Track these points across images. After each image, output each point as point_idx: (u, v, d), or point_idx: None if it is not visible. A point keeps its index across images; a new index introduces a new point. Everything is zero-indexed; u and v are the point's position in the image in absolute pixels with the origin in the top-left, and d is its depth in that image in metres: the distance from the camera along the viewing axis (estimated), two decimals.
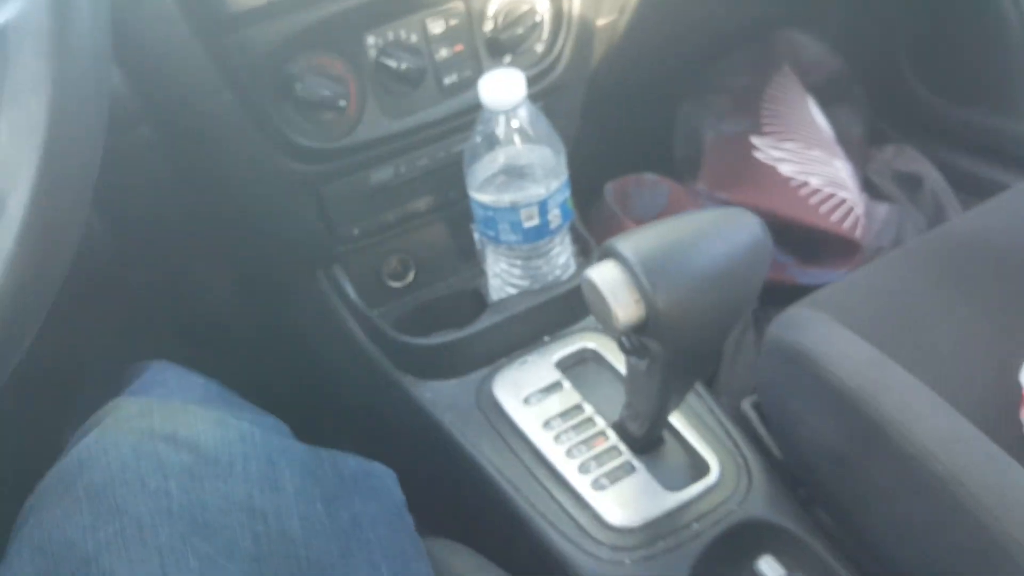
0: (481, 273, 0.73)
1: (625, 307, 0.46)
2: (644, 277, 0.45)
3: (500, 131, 0.62)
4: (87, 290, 0.66)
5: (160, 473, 0.43)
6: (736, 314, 0.50)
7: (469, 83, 0.64)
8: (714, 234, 0.47)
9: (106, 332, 0.74)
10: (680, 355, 0.50)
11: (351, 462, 0.52)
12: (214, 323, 0.80)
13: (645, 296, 0.46)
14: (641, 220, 0.91)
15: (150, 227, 0.65)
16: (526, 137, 0.62)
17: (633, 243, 0.46)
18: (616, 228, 0.88)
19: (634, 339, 0.50)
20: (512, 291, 0.69)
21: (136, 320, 0.75)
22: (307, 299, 0.71)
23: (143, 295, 0.74)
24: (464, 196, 0.67)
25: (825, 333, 0.61)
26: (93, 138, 0.37)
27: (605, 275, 0.46)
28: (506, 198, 0.63)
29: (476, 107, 0.62)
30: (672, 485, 0.59)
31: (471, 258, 0.74)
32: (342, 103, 0.61)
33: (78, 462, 0.44)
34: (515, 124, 0.62)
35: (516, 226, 0.64)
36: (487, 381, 0.66)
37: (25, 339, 0.37)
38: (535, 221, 0.64)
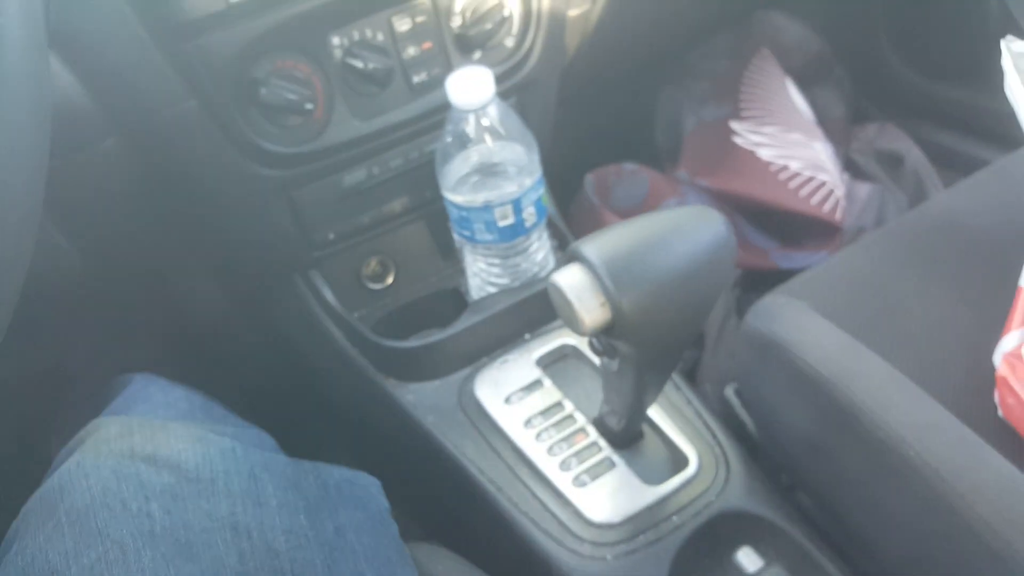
0: (461, 272, 0.73)
1: (591, 311, 0.46)
2: (608, 280, 0.46)
3: (470, 130, 0.62)
4: (67, 305, 0.67)
5: (142, 495, 0.44)
6: (702, 312, 0.50)
7: (439, 81, 0.64)
8: (677, 234, 0.48)
9: (91, 344, 0.75)
10: (649, 354, 0.50)
11: (334, 472, 0.52)
12: (198, 331, 0.80)
13: (610, 299, 0.46)
14: (622, 210, 0.91)
15: (123, 237, 0.65)
16: (497, 135, 0.62)
17: (597, 246, 0.47)
18: (596, 219, 0.88)
19: (603, 340, 0.51)
20: (492, 290, 0.70)
21: (118, 329, 0.75)
22: (287, 304, 0.72)
23: (125, 306, 0.74)
24: (440, 195, 0.67)
25: (798, 321, 0.62)
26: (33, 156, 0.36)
27: (570, 279, 0.47)
28: (479, 198, 0.63)
29: (447, 104, 0.62)
30: (652, 479, 0.60)
31: (450, 257, 0.74)
32: (309, 106, 0.61)
33: (59, 486, 0.44)
34: (485, 122, 0.62)
35: (491, 225, 0.64)
36: (468, 381, 0.67)
37: None
38: (510, 220, 0.64)
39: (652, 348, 0.50)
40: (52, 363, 0.74)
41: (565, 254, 0.48)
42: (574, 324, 0.47)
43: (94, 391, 0.62)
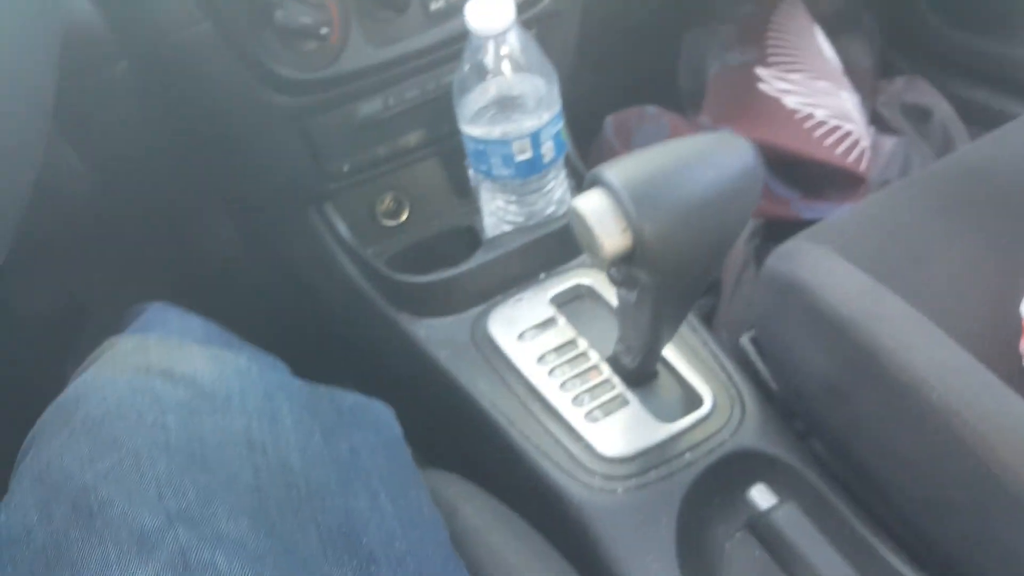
0: (476, 210, 0.72)
1: (611, 236, 0.45)
2: (630, 205, 0.44)
3: (489, 60, 0.60)
4: (80, 233, 0.67)
5: (157, 407, 0.44)
6: (725, 242, 0.49)
7: (456, 9, 0.62)
8: (703, 160, 0.46)
9: (104, 275, 0.75)
10: (669, 284, 0.49)
11: (348, 397, 0.52)
12: (210, 267, 0.80)
13: (632, 225, 0.45)
14: None
15: (137, 167, 0.65)
16: (517, 65, 0.61)
17: (620, 170, 0.45)
18: None
19: (622, 269, 0.50)
20: (507, 228, 0.69)
21: (133, 262, 0.75)
22: (300, 238, 0.71)
23: (138, 237, 0.74)
24: (456, 130, 0.66)
25: (821, 264, 0.61)
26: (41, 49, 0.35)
27: (591, 204, 0.45)
28: (497, 131, 0.62)
29: (465, 35, 0.60)
30: (665, 417, 0.60)
31: (466, 195, 0.73)
32: (324, 31, 0.59)
33: (75, 397, 0.44)
34: (505, 51, 0.60)
35: (508, 160, 0.63)
36: (482, 318, 0.66)
37: None
38: (528, 154, 0.62)
39: (673, 278, 0.49)
40: (67, 296, 0.74)
41: (586, 179, 0.47)
42: (594, 251, 0.46)
43: (108, 322, 0.62)
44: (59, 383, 0.52)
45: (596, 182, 0.46)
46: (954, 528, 0.55)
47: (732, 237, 0.49)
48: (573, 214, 0.46)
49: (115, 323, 0.60)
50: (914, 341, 0.56)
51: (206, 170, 0.71)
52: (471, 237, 0.71)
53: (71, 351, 0.69)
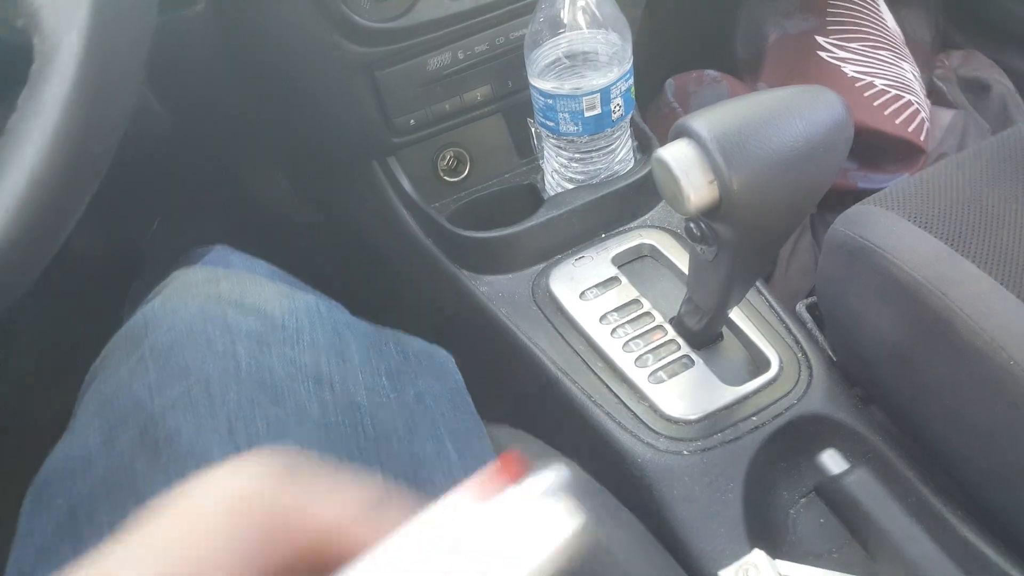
0: (536, 170, 0.72)
1: (698, 189, 0.45)
2: (719, 156, 0.44)
3: (564, 13, 0.59)
4: (144, 176, 0.67)
5: (228, 336, 0.43)
6: (813, 197, 0.48)
7: None
8: (793, 112, 0.45)
9: (163, 222, 0.75)
10: (750, 241, 0.49)
11: (414, 343, 0.52)
12: (272, 217, 0.80)
13: (719, 176, 0.44)
14: None
15: (208, 113, 0.65)
16: (592, 20, 0.60)
17: (707, 121, 0.45)
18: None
19: (704, 224, 0.49)
20: (569, 186, 0.68)
21: (192, 211, 0.75)
22: (363, 193, 0.71)
23: (200, 185, 0.74)
24: (523, 87, 0.65)
25: (892, 228, 0.60)
26: None
27: (677, 154, 0.45)
28: (567, 85, 0.61)
29: None
30: (731, 379, 0.59)
31: (527, 154, 0.72)
32: None
33: (144, 323, 0.44)
34: (580, 4, 0.59)
35: (577, 115, 0.62)
36: (543, 276, 0.66)
37: (78, 202, 0.36)
38: (596, 110, 0.62)
39: (755, 234, 0.48)
40: (124, 240, 0.74)
41: (672, 129, 0.46)
42: (678, 203, 0.46)
43: (166, 265, 0.62)
44: (114, 325, 0.52)
45: (683, 132, 0.45)
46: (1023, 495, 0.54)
47: (820, 192, 0.48)
48: (658, 164, 0.46)
49: (174, 265, 0.60)
50: (990, 306, 0.55)
51: (273, 119, 0.70)
52: (532, 194, 0.71)
53: (128, 294, 0.69)
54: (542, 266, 0.67)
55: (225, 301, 0.46)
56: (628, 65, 0.62)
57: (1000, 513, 0.56)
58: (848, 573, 0.54)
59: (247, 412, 0.41)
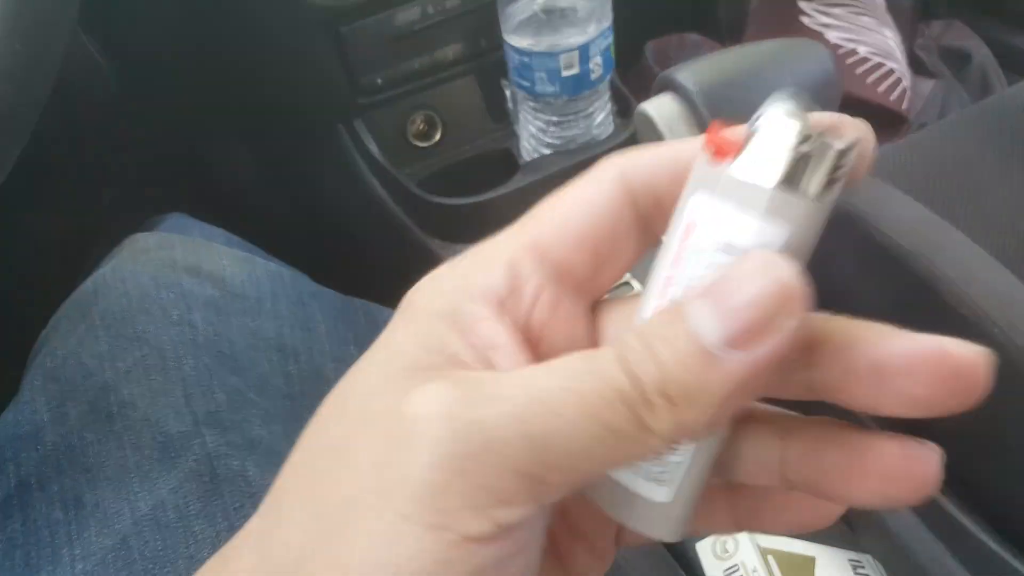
0: (512, 135, 0.69)
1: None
2: (705, 110, 0.41)
3: None
4: (95, 143, 0.63)
5: (183, 304, 0.41)
6: None
7: None
8: (782, 65, 0.43)
9: (118, 193, 0.71)
10: None
11: (384, 312, 0.49)
12: (231, 184, 0.76)
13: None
14: None
15: (160, 72, 0.60)
16: None
17: (694, 73, 0.42)
18: None
19: None
20: (546, 151, 0.66)
21: (146, 180, 0.71)
22: (327, 157, 0.67)
23: (155, 151, 0.70)
24: (496, 46, 0.62)
25: (877, 194, 0.58)
26: None
27: (662, 108, 0.42)
28: (544, 42, 0.58)
29: None
30: None
31: (502, 118, 0.69)
32: None
33: (93, 291, 0.41)
34: None
35: (554, 75, 0.59)
36: None
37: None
38: (575, 70, 0.59)
39: None
40: (77, 214, 0.70)
41: (656, 82, 0.44)
42: None
43: (121, 237, 0.59)
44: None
45: (668, 86, 0.43)
46: (1009, 467, 0.53)
47: None
48: (641, 119, 0.43)
49: (127, 233, 0.57)
50: (976, 274, 0.53)
51: (231, 79, 0.66)
52: (507, 160, 0.68)
53: (81, 270, 0.65)
54: None
55: (180, 267, 0.43)
56: (607, 22, 0.59)
57: (981, 484, 0.55)
58: (827, 545, 0.53)
59: (205, 381, 0.39)
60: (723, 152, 0.16)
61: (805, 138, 0.15)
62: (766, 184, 0.15)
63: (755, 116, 0.16)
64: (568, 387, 0.15)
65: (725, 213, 0.16)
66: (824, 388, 0.17)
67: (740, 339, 0.15)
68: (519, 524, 0.15)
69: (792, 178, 0.15)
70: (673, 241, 0.17)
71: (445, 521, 0.15)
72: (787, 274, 0.15)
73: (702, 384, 0.15)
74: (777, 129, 0.16)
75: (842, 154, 0.16)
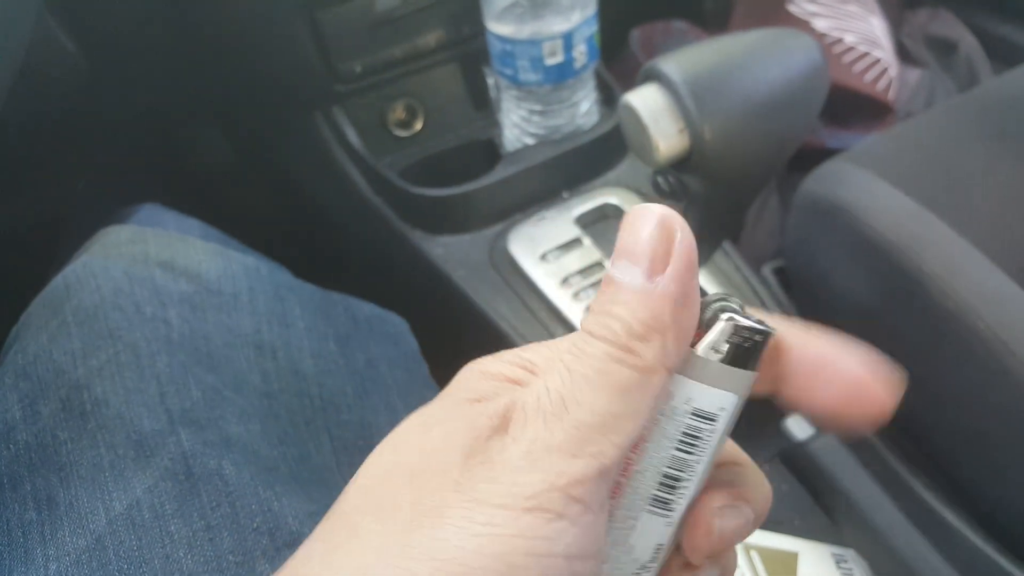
0: (495, 123, 0.67)
1: (668, 138, 0.41)
2: (691, 102, 0.40)
3: None
4: (65, 130, 0.61)
5: (157, 300, 0.39)
6: (789, 148, 0.45)
7: None
8: (768, 56, 0.42)
9: (89, 182, 0.69)
10: (721, 194, 0.46)
11: (364, 307, 0.48)
12: (207, 174, 0.74)
13: (691, 124, 0.41)
14: None
15: (131, 58, 0.58)
16: None
17: (679, 64, 0.41)
18: None
19: (672, 177, 0.46)
20: (529, 141, 0.64)
21: (121, 169, 0.69)
22: (305, 147, 0.66)
23: (127, 139, 0.68)
24: (478, 33, 0.61)
25: (864, 186, 0.58)
26: None
27: (647, 99, 0.41)
28: (527, 30, 0.57)
29: None
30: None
31: (484, 107, 0.68)
32: None
33: (65, 286, 0.40)
34: None
35: (537, 63, 0.58)
36: (501, 237, 0.62)
37: None
38: (558, 58, 0.58)
39: (727, 187, 0.45)
40: (50, 203, 0.68)
41: (641, 72, 0.43)
42: (646, 153, 0.42)
43: (95, 225, 0.57)
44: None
45: (653, 76, 0.42)
46: (991, 462, 0.53)
47: (796, 142, 0.45)
48: (625, 110, 0.42)
49: (100, 226, 0.55)
50: (961, 268, 0.53)
51: (203, 65, 0.64)
52: (489, 151, 0.67)
53: (52, 262, 0.63)
54: (500, 226, 0.63)
55: (153, 262, 0.42)
56: (592, 9, 0.58)
57: (964, 478, 0.55)
58: (811, 539, 0.53)
59: (179, 379, 0.38)
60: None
61: (748, 329, 0.20)
62: (727, 364, 0.20)
63: (705, 309, 0.20)
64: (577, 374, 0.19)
65: (695, 387, 0.20)
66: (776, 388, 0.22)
67: (655, 267, 0.19)
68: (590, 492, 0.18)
69: (738, 360, 0.20)
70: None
71: (534, 504, 0.18)
72: (658, 210, 0.19)
73: (653, 311, 0.19)
74: (727, 325, 0.20)
75: (772, 338, 0.20)
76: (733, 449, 0.24)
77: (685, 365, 0.20)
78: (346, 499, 0.20)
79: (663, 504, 0.21)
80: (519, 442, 0.18)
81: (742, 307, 0.20)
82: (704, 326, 0.20)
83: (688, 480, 0.21)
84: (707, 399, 0.20)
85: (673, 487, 0.21)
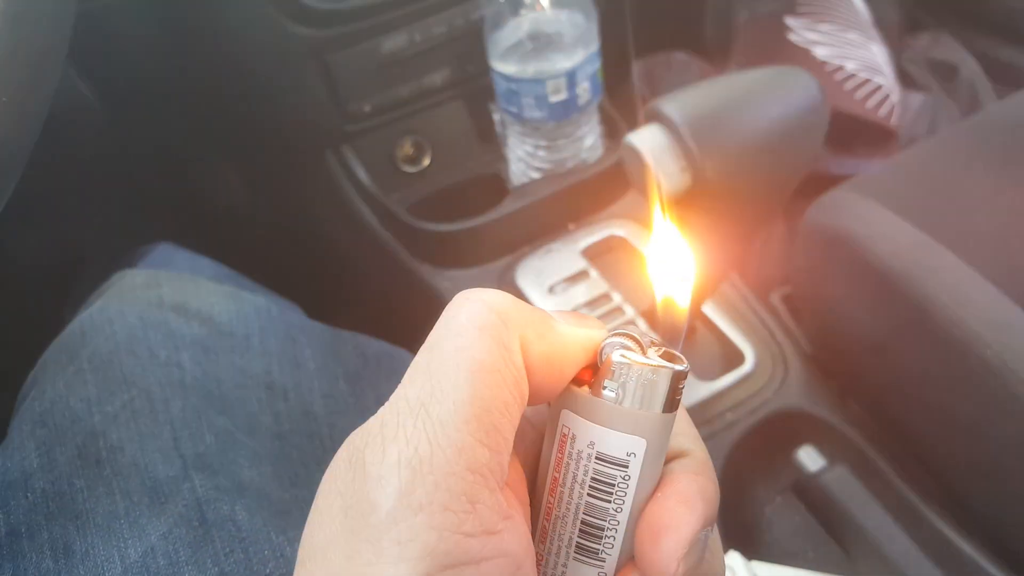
0: (500, 158, 0.68)
1: (670, 176, 0.42)
2: (691, 141, 0.41)
3: None
4: (83, 171, 0.62)
5: (171, 344, 0.40)
6: (789, 184, 0.46)
7: None
8: (768, 95, 0.43)
9: (105, 221, 0.70)
10: (724, 230, 0.46)
11: (373, 344, 0.49)
12: (220, 212, 0.75)
13: (692, 163, 0.42)
14: None
15: (147, 100, 0.60)
16: (555, 0, 0.57)
17: (680, 104, 0.42)
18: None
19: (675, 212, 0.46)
20: (535, 175, 0.65)
21: (136, 208, 0.71)
22: (316, 184, 0.67)
23: (143, 179, 0.69)
24: (483, 71, 0.62)
25: (868, 215, 0.58)
26: None
27: (648, 140, 0.42)
28: (531, 69, 0.58)
29: None
30: (705, 374, 0.57)
31: (490, 141, 0.69)
32: None
33: (81, 332, 0.41)
34: None
35: (541, 101, 0.59)
36: (508, 270, 0.63)
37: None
38: (562, 95, 0.59)
39: (729, 222, 0.46)
40: (66, 242, 0.69)
41: (643, 113, 0.43)
42: (649, 192, 0.43)
43: (107, 265, 0.58)
44: (57, 333, 0.48)
45: (655, 116, 0.43)
46: (1004, 490, 0.53)
47: (795, 178, 0.46)
48: (628, 150, 0.43)
49: (115, 265, 0.56)
50: (968, 296, 0.53)
51: (218, 107, 0.66)
52: (496, 185, 0.68)
53: (68, 300, 0.65)
54: (508, 259, 0.64)
55: (167, 306, 0.42)
56: (594, 47, 0.59)
57: (978, 507, 0.55)
58: (825, 572, 0.53)
59: (193, 423, 0.38)
60: (586, 378, 0.19)
61: (647, 368, 0.19)
62: (628, 406, 0.19)
63: (605, 348, 0.19)
64: None
65: (596, 430, 0.19)
66: None
67: None
68: None
69: (642, 401, 0.19)
70: (553, 449, 0.20)
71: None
72: None
73: None
74: (627, 363, 0.19)
75: (680, 376, 0.19)
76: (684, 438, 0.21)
77: (583, 406, 0.19)
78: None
79: (591, 553, 0.20)
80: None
81: (646, 342, 0.19)
82: (603, 364, 0.19)
83: (611, 529, 0.19)
84: (611, 444, 0.19)
85: (597, 536, 0.19)
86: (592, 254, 0.64)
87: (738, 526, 0.54)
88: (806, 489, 0.54)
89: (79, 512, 0.36)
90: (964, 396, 0.52)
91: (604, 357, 0.19)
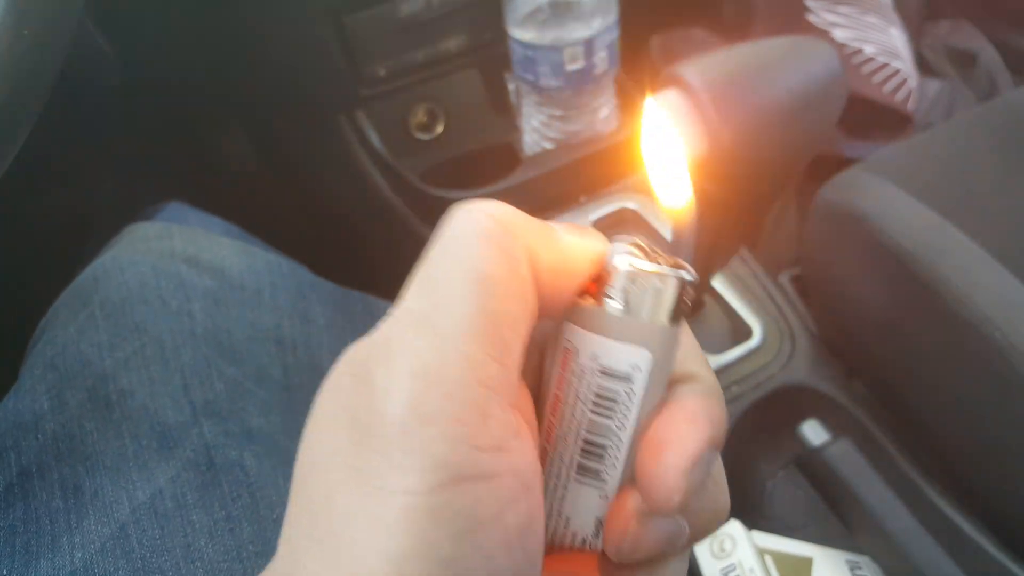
0: (514, 128, 0.68)
1: (687, 141, 0.42)
2: (712, 108, 0.41)
3: None
4: (98, 130, 0.62)
5: (182, 294, 0.40)
6: (806, 152, 0.46)
7: None
8: (788, 63, 0.43)
9: (117, 184, 0.70)
10: (739, 201, 0.46)
11: (382, 305, 0.49)
12: (231, 174, 0.75)
13: (710, 128, 0.41)
14: None
15: (164, 61, 0.60)
16: None
17: (700, 69, 0.42)
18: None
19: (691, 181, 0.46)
20: (548, 146, 0.65)
21: (147, 168, 0.71)
22: (328, 148, 0.67)
23: (155, 141, 0.69)
24: (500, 38, 0.61)
25: (882, 195, 0.58)
26: None
27: (668, 104, 0.42)
28: (549, 36, 0.57)
29: None
30: (712, 348, 0.57)
31: (504, 112, 0.69)
32: None
33: (93, 279, 0.41)
34: None
35: (558, 69, 0.59)
36: None
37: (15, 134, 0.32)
38: (579, 64, 0.58)
39: (745, 193, 0.45)
40: (78, 202, 0.70)
41: (663, 77, 0.43)
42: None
43: (122, 221, 0.58)
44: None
45: (673, 81, 0.42)
46: (1006, 470, 0.53)
47: (813, 149, 0.45)
48: (645, 115, 0.43)
49: (126, 221, 0.57)
50: (978, 278, 0.53)
51: (230, 68, 0.66)
52: (509, 155, 0.68)
53: (79, 261, 0.65)
54: None
55: (179, 257, 0.43)
56: (613, 16, 0.59)
57: (980, 486, 0.55)
58: (825, 546, 0.53)
59: (203, 371, 0.38)
60: (590, 290, 0.19)
61: (653, 275, 0.18)
62: (632, 316, 0.18)
63: (610, 256, 0.18)
64: None
65: (600, 342, 0.18)
66: None
67: None
68: None
69: (645, 311, 0.18)
70: (556, 366, 0.19)
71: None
72: None
73: None
74: (632, 271, 0.18)
75: (687, 285, 0.18)
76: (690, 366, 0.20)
77: (586, 318, 0.18)
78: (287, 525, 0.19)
79: (592, 474, 0.19)
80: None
81: (652, 251, 0.18)
82: (607, 272, 0.18)
83: (614, 448, 0.18)
84: (614, 356, 0.18)
85: (599, 455, 0.19)
86: (603, 226, 0.64)
87: (740, 499, 0.54)
88: (809, 463, 0.55)
89: (89, 454, 0.36)
90: (971, 377, 0.53)
91: (609, 265, 0.18)
